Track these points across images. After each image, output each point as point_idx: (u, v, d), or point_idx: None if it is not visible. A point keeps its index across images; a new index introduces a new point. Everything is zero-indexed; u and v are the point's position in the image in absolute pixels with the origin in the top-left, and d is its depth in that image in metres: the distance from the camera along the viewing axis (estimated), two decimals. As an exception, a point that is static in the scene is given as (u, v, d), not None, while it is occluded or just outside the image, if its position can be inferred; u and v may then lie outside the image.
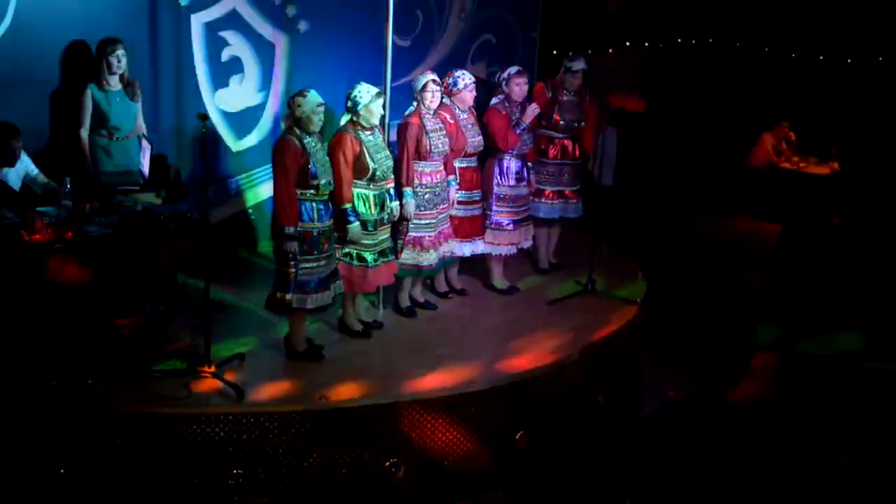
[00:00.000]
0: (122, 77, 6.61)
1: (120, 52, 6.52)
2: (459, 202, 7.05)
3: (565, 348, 6.47)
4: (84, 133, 6.55)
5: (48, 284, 5.51)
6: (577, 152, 7.76)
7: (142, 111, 6.78)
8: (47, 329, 5.52)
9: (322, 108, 5.87)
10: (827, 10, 11.59)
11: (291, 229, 5.79)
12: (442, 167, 6.78)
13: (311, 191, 5.87)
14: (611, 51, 11.84)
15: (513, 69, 7.28)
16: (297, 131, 5.84)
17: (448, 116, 6.85)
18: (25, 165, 6.15)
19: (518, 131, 7.18)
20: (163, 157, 7.12)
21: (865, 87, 11.89)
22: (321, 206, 5.95)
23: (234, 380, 5.63)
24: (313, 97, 5.83)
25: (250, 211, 8.00)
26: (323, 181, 5.89)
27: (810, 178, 11.77)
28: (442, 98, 6.83)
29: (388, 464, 5.56)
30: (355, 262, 6.33)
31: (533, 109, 7.19)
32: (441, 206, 6.81)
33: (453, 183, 6.89)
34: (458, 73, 6.97)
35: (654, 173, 12.25)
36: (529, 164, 7.55)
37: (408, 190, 6.55)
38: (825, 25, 11.68)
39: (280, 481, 5.36)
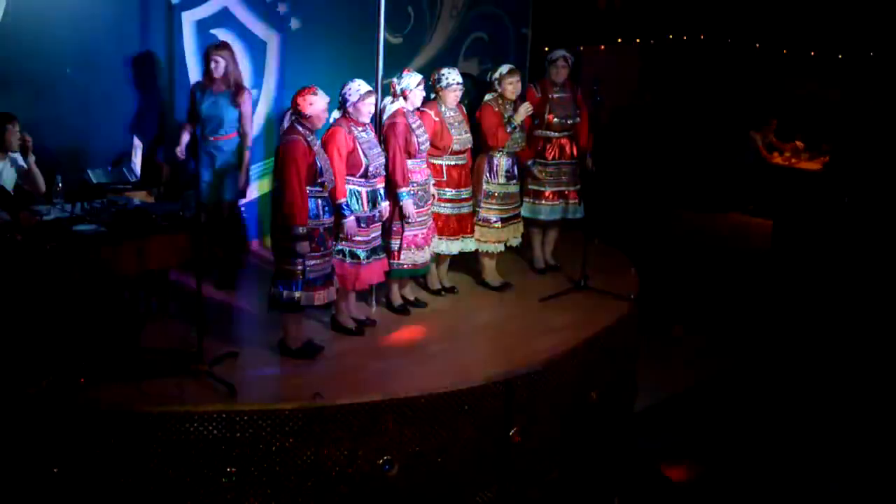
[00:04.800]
0: None
1: None
2: (447, 200, 7.05)
3: (558, 345, 6.47)
4: None
5: (40, 283, 5.51)
6: (575, 151, 7.76)
7: None
8: (40, 328, 5.51)
9: (328, 107, 5.88)
10: (818, 5, 11.61)
11: (303, 229, 5.79)
12: (426, 164, 6.80)
13: (318, 188, 5.88)
14: (602, 47, 11.85)
15: (504, 68, 7.27)
16: (301, 129, 5.83)
17: (433, 114, 6.85)
18: (17, 155, 6.15)
19: (509, 129, 7.17)
20: (154, 156, 7.11)
21: (857, 83, 11.92)
22: (325, 203, 5.96)
23: (227, 378, 5.63)
24: (323, 96, 5.84)
25: (243, 208, 7.98)
26: (328, 178, 5.90)
27: (802, 173, 11.81)
28: (429, 95, 6.84)
29: (381, 461, 5.57)
30: (348, 260, 6.34)
31: (525, 108, 7.19)
32: (429, 203, 6.83)
33: (431, 178, 6.91)
34: (445, 70, 6.96)
35: (646, 170, 12.27)
36: (529, 162, 7.57)
37: (404, 190, 6.55)
38: (816, 21, 11.70)
39: (274, 479, 5.36)
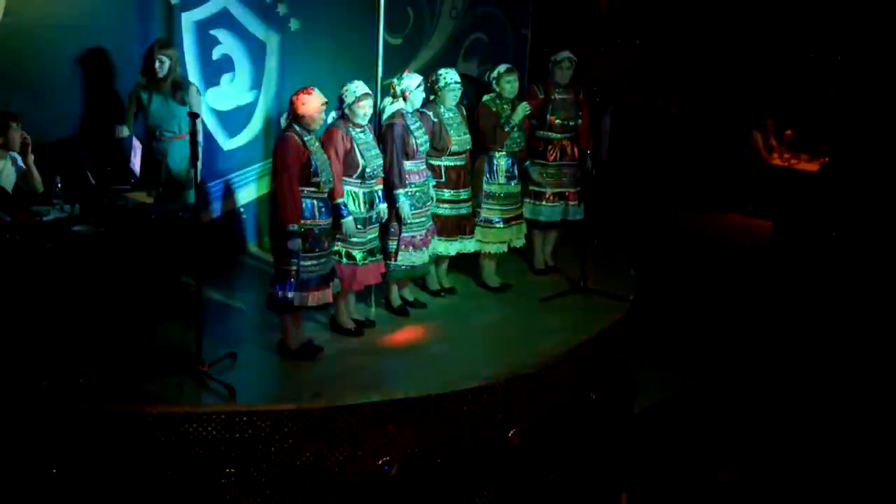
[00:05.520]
0: None
1: None
2: (445, 201, 7.05)
3: (558, 345, 6.47)
4: None
5: (40, 284, 5.50)
6: (576, 153, 7.75)
7: None
8: (39, 328, 5.51)
9: (325, 107, 5.89)
10: (817, 6, 11.62)
11: (294, 227, 5.79)
12: (425, 165, 6.79)
13: (313, 188, 5.87)
14: (602, 49, 11.86)
15: (502, 67, 7.28)
16: (297, 128, 5.83)
17: (432, 115, 6.85)
18: (17, 155, 6.14)
19: (507, 129, 7.17)
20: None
21: (856, 84, 11.92)
22: (321, 204, 5.96)
23: (226, 378, 5.63)
24: (318, 95, 5.85)
25: (242, 210, 7.99)
26: (324, 178, 5.90)
27: (801, 174, 11.80)
28: (429, 96, 6.84)
29: (381, 461, 5.57)
30: (344, 260, 6.34)
31: (523, 108, 7.19)
32: (427, 204, 6.83)
33: (431, 180, 6.90)
34: (442, 71, 6.97)
35: (645, 170, 12.27)
36: (527, 163, 7.57)
37: (401, 192, 6.55)
38: (815, 22, 11.71)
39: (273, 480, 5.35)
